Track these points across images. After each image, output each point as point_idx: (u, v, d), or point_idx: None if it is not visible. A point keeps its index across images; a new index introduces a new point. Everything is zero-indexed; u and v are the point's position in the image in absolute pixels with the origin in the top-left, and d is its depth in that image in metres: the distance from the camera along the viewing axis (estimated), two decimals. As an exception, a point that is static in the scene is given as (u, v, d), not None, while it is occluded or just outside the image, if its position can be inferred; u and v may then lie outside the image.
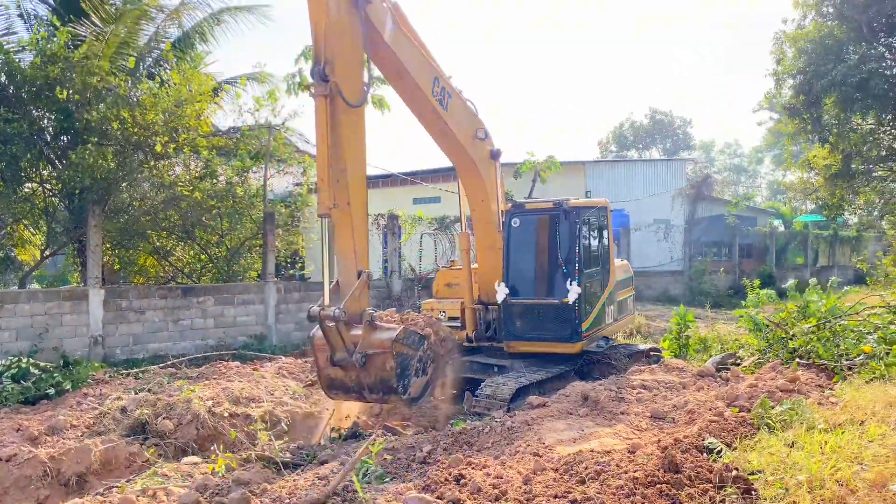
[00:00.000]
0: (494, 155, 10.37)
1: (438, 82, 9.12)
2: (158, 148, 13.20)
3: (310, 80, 7.26)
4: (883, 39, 15.85)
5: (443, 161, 12.67)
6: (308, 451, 7.26)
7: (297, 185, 17.14)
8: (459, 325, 10.80)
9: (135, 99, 13.17)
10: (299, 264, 19.08)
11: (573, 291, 9.94)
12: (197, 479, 5.92)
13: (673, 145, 69.27)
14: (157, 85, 13.87)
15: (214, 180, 15.08)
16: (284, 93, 17.97)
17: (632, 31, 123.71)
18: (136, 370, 11.41)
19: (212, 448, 7.29)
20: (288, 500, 5.33)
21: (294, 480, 5.89)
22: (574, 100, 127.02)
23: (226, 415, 8.29)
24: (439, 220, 20.40)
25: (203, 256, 15.92)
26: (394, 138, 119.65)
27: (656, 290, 25.92)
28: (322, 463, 6.56)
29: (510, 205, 10.72)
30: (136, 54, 14.56)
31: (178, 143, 13.70)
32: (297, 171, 16.93)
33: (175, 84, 13.64)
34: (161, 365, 11.73)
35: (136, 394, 9.05)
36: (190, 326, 13.89)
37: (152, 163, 14.00)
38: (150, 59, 16.04)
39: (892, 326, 10.37)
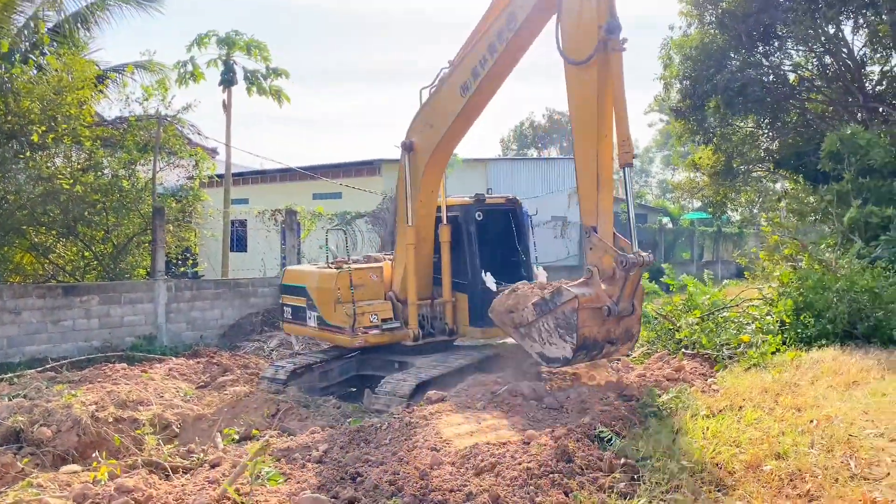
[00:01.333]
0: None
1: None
2: (35, 138, 12.36)
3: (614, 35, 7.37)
4: (760, 48, 16.84)
5: (343, 156, 12.48)
6: (199, 454, 6.98)
7: (188, 178, 16.46)
8: (398, 325, 10.32)
9: (8, 85, 12.27)
10: (190, 261, 18.35)
11: (542, 274, 10.94)
12: (76, 489, 5.57)
13: (570, 145, 71.30)
14: (34, 70, 12.99)
15: (99, 173, 14.28)
16: (175, 83, 17.35)
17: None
18: (10, 375, 10.65)
19: (94, 455, 6.89)
20: (175, 507, 5.10)
21: (183, 486, 5.65)
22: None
23: (110, 420, 7.85)
24: (340, 217, 20.14)
25: (87, 254, 15.05)
26: (292, 132, 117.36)
27: (554, 285, 26.59)
28: (213, 466, 6.33)
29: (470, 199, 10.78)
30: (8, 38, 13.57)
31: (57, 133, 12.87)
32: (189, 164, 16.25)
33: (55, 70, 12.81)
34: (39, 369, 11.02)
35: (10, 400, 8.44)
36: (72, 327, 13.10)
37: (28, 153, 13.09)
38: (27, 44, 15.01)
39: (769, 317, 11.06)
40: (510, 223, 10.96)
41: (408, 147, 10.02)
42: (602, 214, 7.77)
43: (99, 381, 9.81)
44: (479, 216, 10.65)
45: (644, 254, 7.65)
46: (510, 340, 12.00)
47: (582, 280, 7.87)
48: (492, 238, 10.85)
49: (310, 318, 10.54)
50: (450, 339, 10.90)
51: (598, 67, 7.49)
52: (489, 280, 10.50)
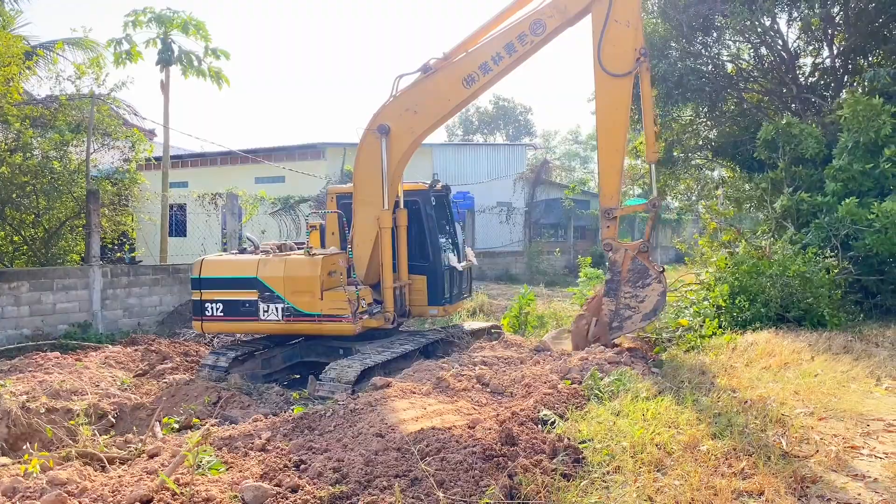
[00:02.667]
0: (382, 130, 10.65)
1: None
2: (-43, 116, 11.76)
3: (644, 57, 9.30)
4: (700, 38, 17.17)
5: (287, 140, 12.28)
6: (137, 444, 6.79)
7: (125, 160, 15.92)
8: (380, 308, 10.29)
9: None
10: (127, 246, 17.79)
11: (472, 255, 12.49)
12: (5, 482, 5.35)
13: (515, 131, 71.76)
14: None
15: (28, 154, 13.67)
16: (112, 62, 16.72)
17: (473, 15, 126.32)
18: (-66, 365, 10.17)
19: (25, 448, 6.64)
20: (111, 499, 4.95)
21: (119, 477, 5.48)
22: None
23: (42, 410, 7.60)
24: (283, 201, 19.83)
25: (16, 238, 14.42)
26: (233, 114, 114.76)
27: (498, 270, 26.82)
28: (152, 456, 6.16)
29: (424, 184, 11.24)
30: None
31: (-18, 112, 12.26)
32: (125, 145, 15.70)
33: (-22, 45, 12.18)
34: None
35: (-66, 391, 8.05)
36: (1, 315, 12.56)
37: (-49, 133, 12.45)
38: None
39: (706, 302, 11.37)
40: (444, 208, 11.68)
41: (385, 131, 9.94)
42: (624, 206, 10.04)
43: (30, 371, 9.45)
44: (433, 200, 11.08)
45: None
46: (467, 324, 12.33)
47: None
48: (442, 221, 11.53)
49: (267, 311, 9.93)
50: (404, 321, 11.27)
51: (630, 81, 9.29)
52: (453, 259, 11.18)
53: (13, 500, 4.92)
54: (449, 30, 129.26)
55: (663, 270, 9.52)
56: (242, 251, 10.85)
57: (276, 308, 9.80)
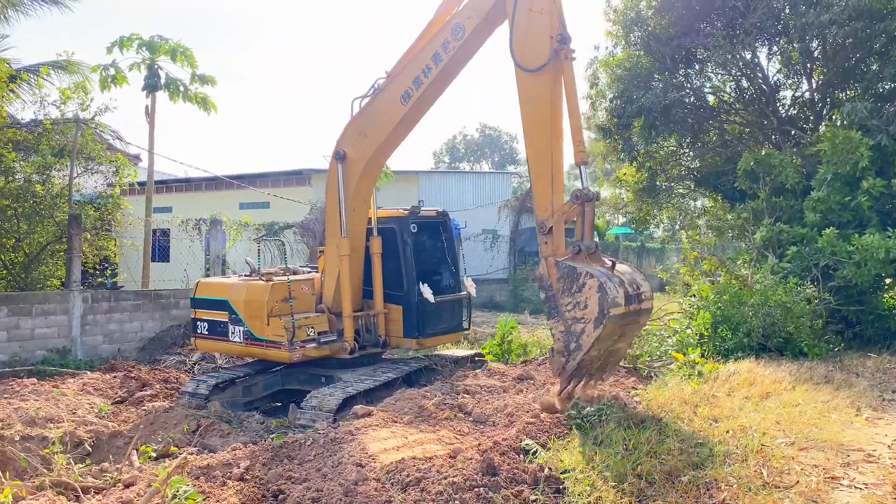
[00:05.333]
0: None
1: None
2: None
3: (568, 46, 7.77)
4: (682, 70, 17.47)
5: (272, 165, 12.25)
6: (113, 473, 6.68)
7: (108, 185, 15.84)
8: (334, 337, 10.18)
9: None
10: (109, 271, 17.63)
11: (470, 285, 11.51)
12: (-25, 513, 5.25)
13: (501, 159, 72.30)
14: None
15: (10, 178, 13.58)
16: (98, 86, 16.69)
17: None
18: None
19: (-2, 476, 6.50)
20: (84, 530, 4.86)
21: (93, 507, 5.39)
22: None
23: (17, 438, 7.47)
24: (268, 227, 19.77)
25: (-6, 261, 14.28)
26: (219, 139, 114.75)
27: (483, 297, 26.75)
28: (128, 486, 6.06)
29: (404, 211, 10.92)
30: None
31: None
32: (109, 170, 15.64)
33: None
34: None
35: None
36: (-23, 340, 12.38)
37: (-68, 156, 12.36)
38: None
39: (688, 331, 11.42)
40: (440, 235, 11.28)
41: (340, 157, 9.94)
42: (556, 213, 7.86)
43: (6, 398, 9.29)
44: (413, 228, 10.75)
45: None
46: (451, 353, 12.16)
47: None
48: (424, 250, 11.07)
49: (233, 332, 10.15)
50: (381, 351, 10.91)
51: (552, 75, 7.89)
52: (426, 292, 10.60)
53: (-17, 532, 4.81)
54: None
55: (613, 264, 7.58)
56: (249, 275, 10.91)
57: (239, 330, 10.11)
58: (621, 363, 10.28)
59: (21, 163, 14.07)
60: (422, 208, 11.45)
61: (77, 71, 16.01)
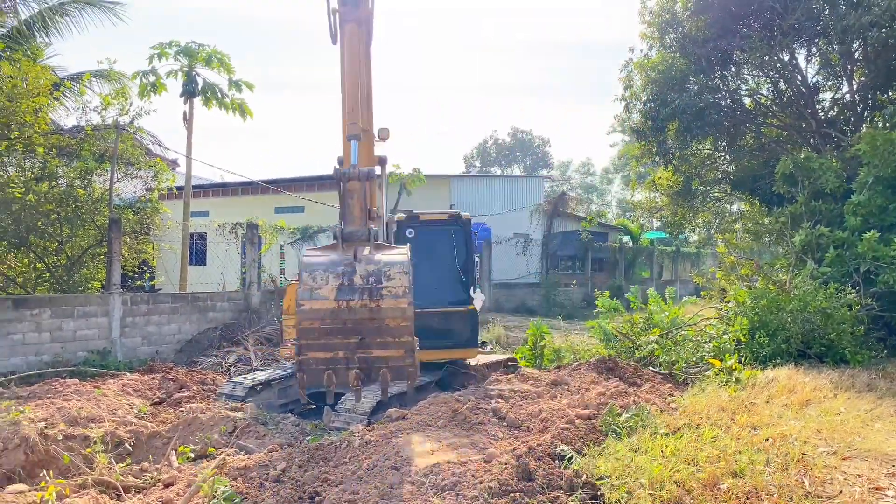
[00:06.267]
0: (382, 160, 10.37)
1: None
2: (-14, 145, 12.04)
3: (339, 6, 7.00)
4: (718, 73, 17.27)
5: (307, 170, 12.35)
6: (152, 473, 6.80)
7: (147, 190, 16.17)
8: None
9: (-41, 91, 11.94)
10: (147, 274, 17.97)
11: (478, 298, 10.32)
12: (21, 510, 5.38)
13: (532, 163, 72.12)
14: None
15: (54, 183, 13.93)
16: (136, 95, 17.06)
17: (499, 48, 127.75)
18: (-46, 390, 10.27)
19: (42, 475, 6.66)
20: (126, 528, 4.96)
21: (134, 506, 5.50)
22: (441, 114, 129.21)
23: (60, 437, 7.61)
24: (302, 231, 19.99)
25: (39, 265, 14.62)
26: (255, 145, 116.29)
27: (515, 302, 26.74)
28: (167, 485, 6.17)
29: (403, 215, 10.50)
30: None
31: (10, 141, 12.53)
32: (148, 175, 15.97)
33: (9, 77, 12.48)
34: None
35: (-47, 417, 8.12)
36: (22, 341, 12.69)
37: (-21, 161, 12.74)
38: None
39: (725, 336, 11.26)
40: (448, 241, 10.50)
41: (381, 161, 10.10)
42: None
43: (49, 397, 9.50)
44: (410, 233, 10.43)
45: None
46: (483, 357, 12.05)
47: None
48: (424, 257, 10.38)
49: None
50: None
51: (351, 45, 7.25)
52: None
53: (29, 528, 4.93)
54: (474, 59, 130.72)
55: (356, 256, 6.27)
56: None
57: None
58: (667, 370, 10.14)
59: (64, 168, 14.42)
60: (430, 212, 11.13)
61: (118, 79, 16.37)
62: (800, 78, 16.66)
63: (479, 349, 10.78)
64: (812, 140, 16.47)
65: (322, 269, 6.06)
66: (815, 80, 16.96)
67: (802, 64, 16.74)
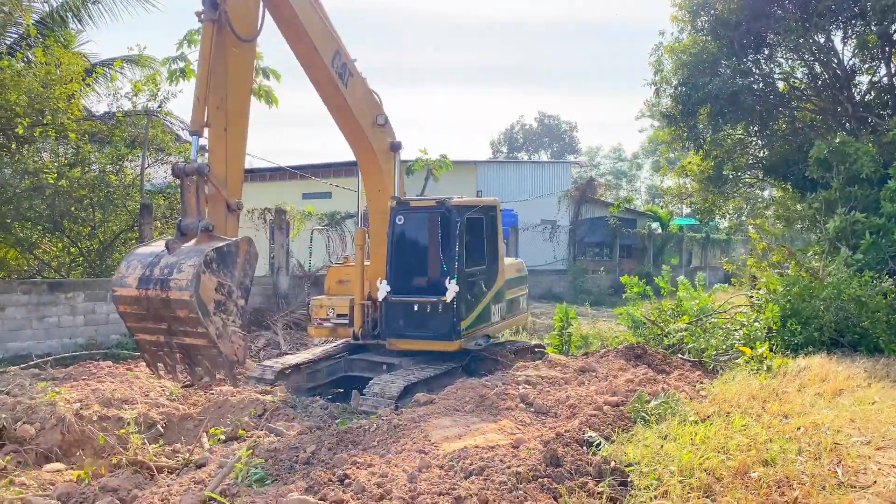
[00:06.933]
0: (395, 146, 10.49)
1: (340, 57, 9.25)
2: (20, 130, 12.23)
3: (202, 5, 7.06)
4: (751, 56, 16.95)
5: (335, 156, 12.39)
6: (185, 454, 6.92)
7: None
8: (348, 322, 10.63)
9: (-5, 78, 12.14)
10: (178, 259, 18.20)
11: (451, 290, 9.89)
12: (59, 488, 5.51)
13: (560, 148, 71.60)
14: (21, 63, 12.85)
15: (87, 168, 14.14)
16: (166, 80, 17.20)
17: (527, 32, 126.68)
18: (-7, 371, 10.53)
19: (78, 454, 6.81)
20: (160, 507, 5.05)
21: (168, 486, 5.59)
22: (468, 99, 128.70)
23: (95, 418, 7.77)
24: (330, 216, 20.08)
25: (73, 250, 14.90)
26: (283, 132, 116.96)
27: (542, 289, 26.63)
28: (199, 466, 6.27)
29: (394, 202, 10.43)
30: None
31: (44, 127, 12.73)
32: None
33: (42, 63, 12.66)
34: (23, 366, 10.88)
35: (-8, 397, 8.33)
36: (57, 324, 12.96)
37: (14, 147, 12.94)
38: (14, 35, 14.84)
39: (756, 324, 11.11)
40: (435, 228, 10.08)
41: (395, 147, 10.32)
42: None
43: (83, 379, 9.70)
44: (399, 220, 10.31)
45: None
46: (511, 343, 12.02)
47: None
48: (411, 244, 10.39)
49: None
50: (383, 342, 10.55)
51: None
52: (382, 289, 10.25)
53: (66, 506, 5.05)
54: (499, 41, 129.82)
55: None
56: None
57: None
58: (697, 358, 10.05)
59: (96, 154, 14.63)
60: (420, 198, 11.19)
61: (148, 65, 16.52)
62: (835, 61, 16.29)
63: (464, 342, 10.21)
64: (847, 124, 16.13)
65: (137, 259, 6.41)
66: (851, 62, 16.57)
67: (838, 46, 16.38)
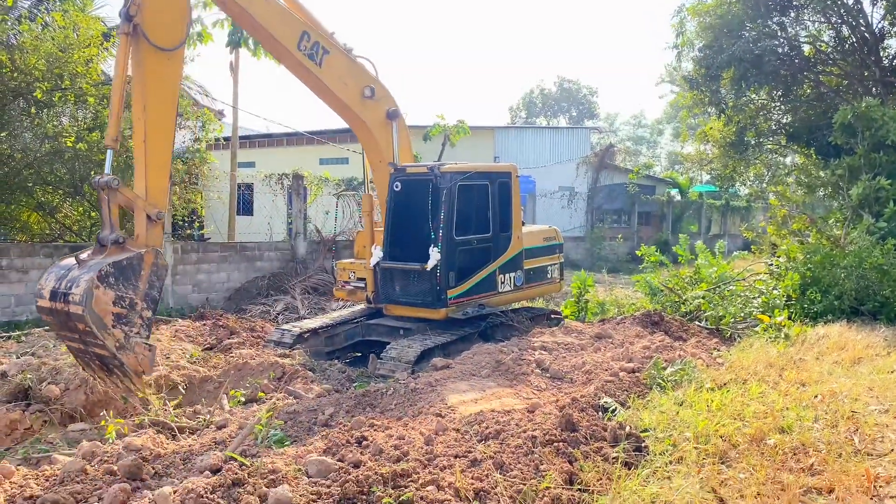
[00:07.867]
0: (392, 115, 10.21)
1: (307, 37, 8.94)
2: (39, 94, 12.27)
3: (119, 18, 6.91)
4: (777, 18, 16.56)
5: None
6: (205, 415, 7.05)
7: (195, 140, 16.36)
8: (362, 285, 10.79)
9: (13, 41, 12.13)
10: (197, 223, 18.32)
11: (433, 258, 9.82)
12: (84, 446, 5.63)
13: (579, 114, 70.78)
14: (40, 27, 12.83)
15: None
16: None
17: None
18: (18, 333, 10.73)
19: (102, 414, 6.95)
20: (182, 466, 5.16)
21: (189, 446, 5.71)
22: (486, 64, 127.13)
23: (117, 379, 7.93)
24: (347, 182, 20.07)
25: (94, 213, 15.01)
26: (299, 97, 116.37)
27: (559, 255, 26.55)
28: (220, 427, 6.38)
29: (392, 168, 10.34)
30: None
31: (63, 92, 12.76)
32: (196, 125, 16.13)
33: (60, 27, 12.64)
34: (47, 327, 11.07)
35: (18, 358, 8.51)
36: (79, 287, 13.12)
37: (34, 111, 13.00)
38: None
39: (775, 292, 11.04)
40: (426, 195, 10.04)
41: (392, 115, 10.30)
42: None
43: (106, 341, 9.85)
44: (396, 187, 10.23)
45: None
46: (527, 309, 12.00)
47: None
48: (407, 212, 10.37)
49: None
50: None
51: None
52: (375, 255, 10.35)
53: (92, 464, 5.17)
54: (520, 6, 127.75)
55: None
56: None
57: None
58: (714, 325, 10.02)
59: (115, 118, 14.63)
60: (416, 164, 10.90)
61: (165, 28, 16.43)
62: (864, 23, 15.88)
63: (451, 310, 10.08)
64: (875, 89, 15.78)
65: (54, 271, 6.61)
66: (880, 25, 16.14)
67: (868, 8, 15.95)
